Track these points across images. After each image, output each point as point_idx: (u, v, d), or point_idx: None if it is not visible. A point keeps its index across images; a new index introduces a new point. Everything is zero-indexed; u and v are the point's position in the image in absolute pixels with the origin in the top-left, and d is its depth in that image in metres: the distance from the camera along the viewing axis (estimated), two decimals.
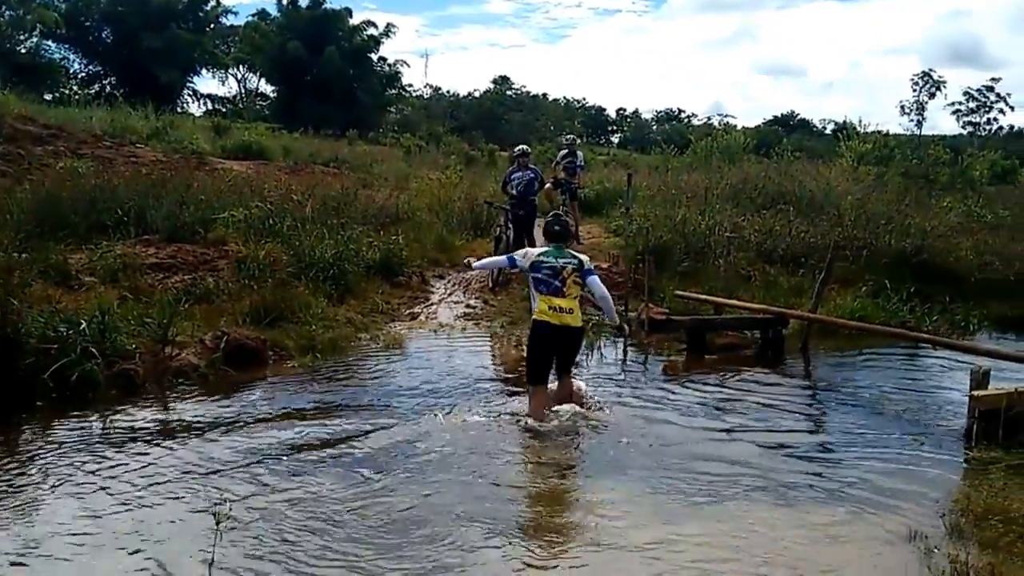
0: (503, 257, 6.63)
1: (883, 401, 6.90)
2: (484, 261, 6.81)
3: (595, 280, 5.93)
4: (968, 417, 5.70)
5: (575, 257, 5.94)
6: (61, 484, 4.49)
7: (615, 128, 77.48)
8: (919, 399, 6.97)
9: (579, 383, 6.21)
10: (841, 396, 7.12)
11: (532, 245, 11.18)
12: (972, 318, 10.19)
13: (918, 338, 7.91)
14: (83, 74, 35.52)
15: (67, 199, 10.44)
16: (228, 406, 6.04)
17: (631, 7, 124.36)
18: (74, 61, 35.27)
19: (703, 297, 9.29)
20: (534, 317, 5.83)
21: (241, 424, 5.61)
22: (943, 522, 4.22)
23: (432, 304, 9.72)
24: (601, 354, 8.20)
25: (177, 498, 4.35)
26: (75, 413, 5.69)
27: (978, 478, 4.90)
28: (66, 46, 34.32)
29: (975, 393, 5.69)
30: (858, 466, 5.16)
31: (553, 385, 5.98)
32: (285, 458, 4.94)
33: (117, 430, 5.46)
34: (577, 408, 5.92)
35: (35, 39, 31.54)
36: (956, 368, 7.65)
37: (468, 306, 9.67)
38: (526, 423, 5.68)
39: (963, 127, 64.71)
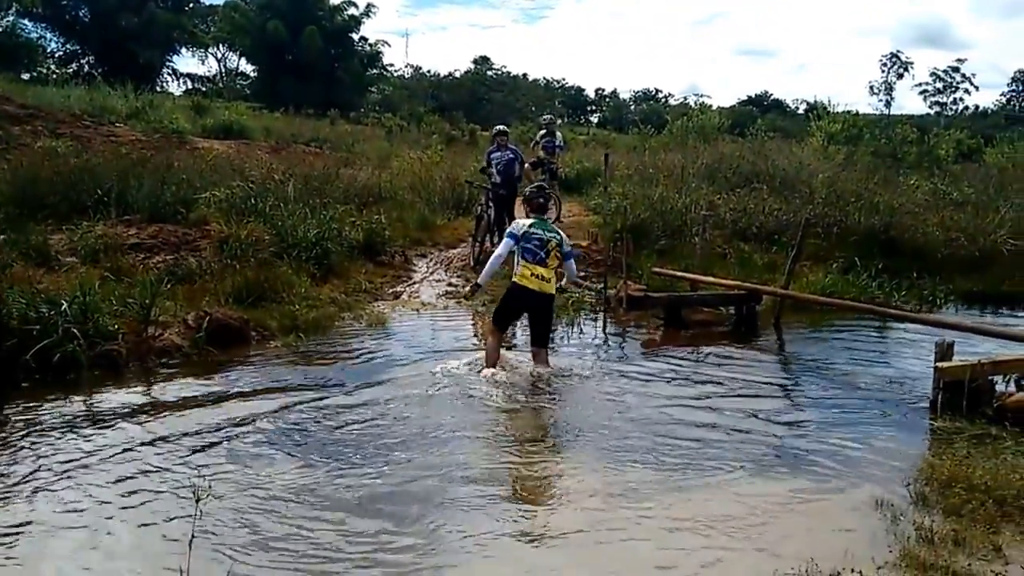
0: (502, 247, 6.32)
1: (852, 373, 6.98)
2: (486, 269, 6.41)
3: (571, 263, 6.60)
4: (933, 388, 5.78)
5: (557, 233, 6.47)
6: (41, 464, 4.43)
7: (594, 108, 77.21)
8: (887, 371, 7.06)
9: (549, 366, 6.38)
10: (812, 369, 7.19)
11: (512, 222, 11.16)
12: (939, 293, 10.30)
13: (886, 312, 8.00)
14: (61, 53, 34.60)
15: (46, 179, 10.21)
16: (208, 385, 5.97)
17: None
18: (51, 40, 34.31)
19: (679, 274, 9.32)
20: (515, 280, 6.27)
21: (219, 402, 5.55)
22: (909, 490, 4.28)
23: (415, 283, 9.67)
24: (580, 330, 8.21)
25: (156, 474, 4.31)
26: (58, 393, 5.60)
27: (943, 447, 4.98)
28: (43, 25, 33.33)
29: (939, 365, 5.76)
30: (827, 437, 5.22)
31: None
32: (254, 436, 4.91)
33: (98, 410, 5.39)
34: (541, 370, 6.25)
35: (11, 18, 30.63)
36: (923, 341, 7.73)
37: (450, 284, 9.63)
38: (495, 396, 5.73)
39: (930, 107, 65.55)
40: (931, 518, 3.93)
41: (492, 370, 6.15)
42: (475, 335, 8.01)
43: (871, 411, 5.84)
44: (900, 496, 4.22)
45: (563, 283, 6.68)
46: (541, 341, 6.31)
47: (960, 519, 3.92)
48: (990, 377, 5.81)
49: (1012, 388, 6.00)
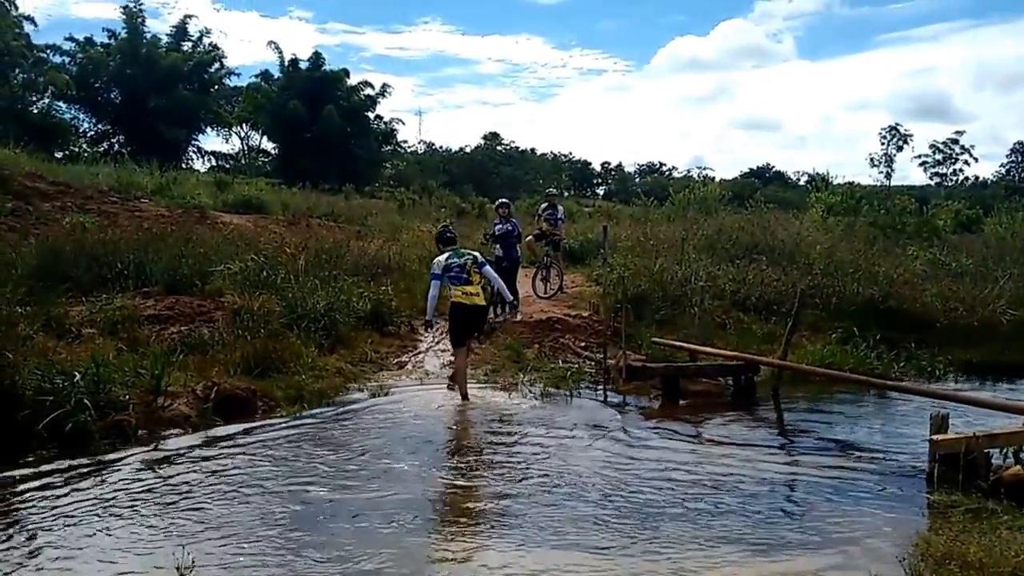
0: (432, 288, 7.89)
1: (850, 445, 6.89)
2: (428, 307, 8.02)
3: (488, 269, 7.95)
4: (929, 461, 5.71)
5: (470, 253, 7.96)
6: (44, 533, 4.47)
7: (600, 181, 78.55)
8: (885, 443, 6.98)
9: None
10: (809, 441, 7.11)
11: (515, 294, 11.31)
12: (938, 363, 10.21)
13: (883, 385, 7.97)
14: (92, 133, 35.77)
15: (70, 253, 10.45)
16: (210, 455, 5.99)
17: (614, 67, 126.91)
18: (84, 120, 35.53)
19: (679, 344, 9.33)
20: (452, 301, 7.80)
21: (216, 471, 5.58)
22: (903, 566, 4.19)
23: (420, 353, 9.71)
24: (579, 400, 8.18)
25: (141, 544, 4.32)
26: (68, 463, 5.64)
27: (938, 522, 4.89)
28: (76, 106, 34.58)
29: (935, 437, 5.71)
30: (822, 510, 5.15)
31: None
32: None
33: (104, 479, 5.40)
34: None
35: (47, 100, 31.92)
36: (921, 413, 7.64)
37: (454, 354, 9.64)
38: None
39: (930, 178, 65.96)
40: None
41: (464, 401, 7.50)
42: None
43: (868, 484, 5.76)
44: (894, 573, 4.13)
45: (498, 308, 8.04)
46: (472, 336, 7.96)
47: None
48: (987, 450, 5.74)
49: (1011, 461, 5.91)
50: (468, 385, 7.99)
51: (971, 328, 11.43)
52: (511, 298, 8.02)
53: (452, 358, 8.84)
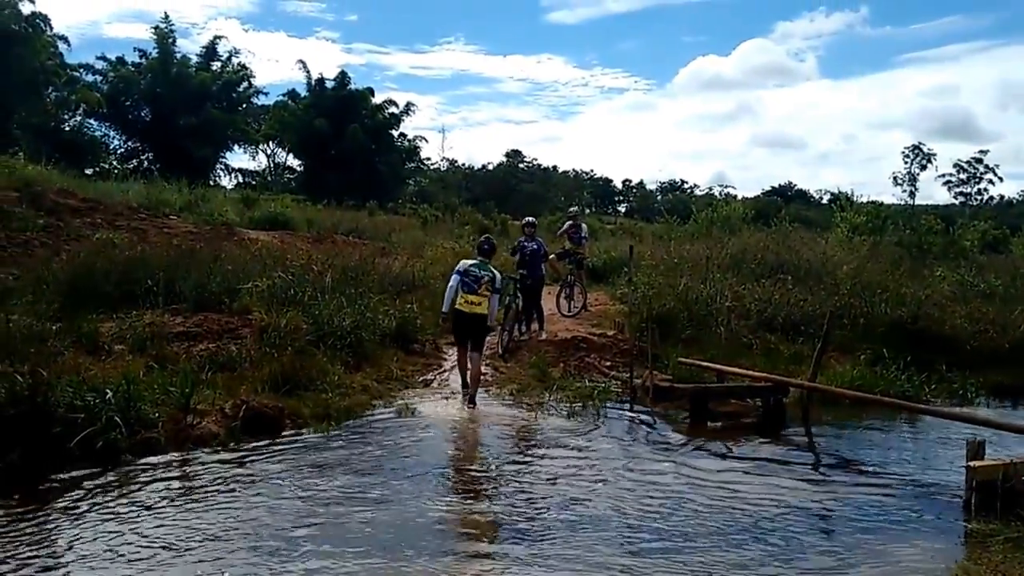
0: (452, 280, 8.32)
1: (883, 471, 6.75)
2: (446, 298, 8.40)
3: (495, 297, 8.37)
4: (966, 488, 5.58)
5: (491, 272, 8.33)
6: (70, 549, 4.53)
7: (621, 198, 78.54)
8: (919, 469, 6.84)
9: (482, 365, 8.68)
10: (840, 466, 6.98)
11: (540, 313, 11.28)
12: (969, 386, 10.01)
13: (914, 408, 7.81)
14: (122, 150, 36.44)
15: (101, 269, 10.57)
16: (239, 473, 6.00)
17: (636, 86, 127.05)
18: (114, 138, 36.24)
19: (706, 364, 9.24)
20: (455, 307, 8.26)
21: (241, 491, 5.60)
22: None
23: (444, 371, 9.69)
24: (607, 420, 8.11)
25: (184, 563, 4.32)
26: (98, 479, 5.68)
27: (976, 551, 4.77)
28: (107, 124, 35.33)
29: (971, 464, 5.58)
30: (855, 538, 5.04)
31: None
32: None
33: (133, 497, 5.43)
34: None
35: (79, 118, 32.74)
36: (956, 437, 7.49)
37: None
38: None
39: (955, 197, 65.12)
40: None
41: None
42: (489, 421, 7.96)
43: (903, 511, 5.64)
44: None
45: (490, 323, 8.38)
46: (475, 347, 8.31)
47: None
48: None
49: None
50: (498, 405, 8.15)
51: (1002, 350, 11.21)
52: (491, 322, 8.48)
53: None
